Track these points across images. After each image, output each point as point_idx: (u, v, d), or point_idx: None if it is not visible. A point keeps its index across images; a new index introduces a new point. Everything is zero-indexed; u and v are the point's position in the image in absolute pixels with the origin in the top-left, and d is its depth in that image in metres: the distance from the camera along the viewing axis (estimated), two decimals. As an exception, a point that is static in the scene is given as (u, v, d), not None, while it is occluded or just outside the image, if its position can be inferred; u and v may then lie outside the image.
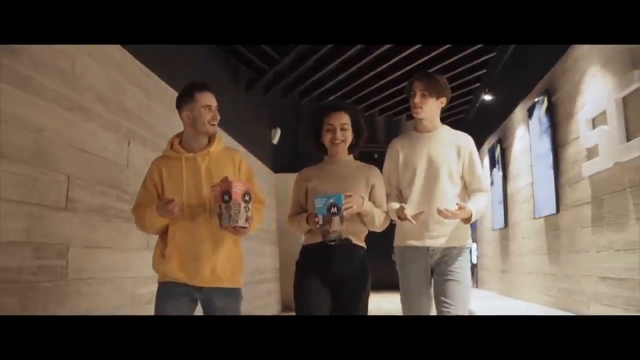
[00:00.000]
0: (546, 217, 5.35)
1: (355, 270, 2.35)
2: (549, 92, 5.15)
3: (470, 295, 2.45)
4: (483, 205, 2.44)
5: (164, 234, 2.27)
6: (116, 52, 3.55)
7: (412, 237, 2.45)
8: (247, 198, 2.10)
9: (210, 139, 2.33)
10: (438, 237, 2.42)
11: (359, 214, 2.35)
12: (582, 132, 4.28)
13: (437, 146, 2.46)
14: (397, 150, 2.53)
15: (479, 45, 5.62)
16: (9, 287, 2.47)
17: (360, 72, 6.17)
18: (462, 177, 2.49)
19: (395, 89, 6.90)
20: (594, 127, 4.09)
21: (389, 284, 4.90)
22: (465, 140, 2.50)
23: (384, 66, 6.05)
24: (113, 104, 3.46)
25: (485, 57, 6.07)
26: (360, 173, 2.44)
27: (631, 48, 3.45)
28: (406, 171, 2.48)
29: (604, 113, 3.84)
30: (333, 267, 2.32)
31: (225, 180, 2.12)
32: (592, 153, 4.13)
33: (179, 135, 2.35)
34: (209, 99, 2.27)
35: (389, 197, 2.51)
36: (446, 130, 2.54)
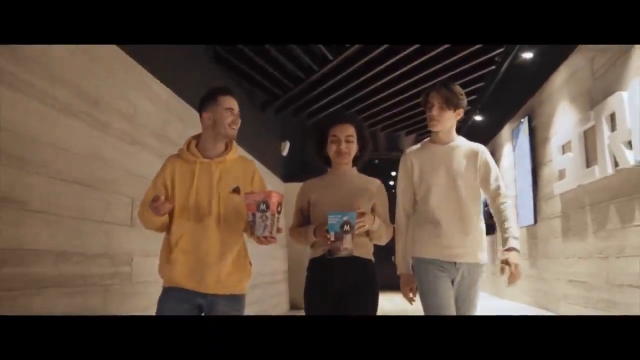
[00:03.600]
0: (527, 226, 6.08)
1: (360, 283, 2.27)
2: (529, 118, 5.87)
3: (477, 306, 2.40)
4: (514, 223, 2.28)
5: (167, 238, 2.23)
6: (163, 92, 4.27)
7: (434, 251, 2.31)
8: (279, 209, 2.07)
9: (227, 145, 2.29)
10: (460, 250, 2.29)
11: (367, 231, 2.29)
12: (554, 156, 5.00)
13: (455, 158, 2.34)
14: (412, 164, 2.41)
15: (471, 76, 6.34)
16: (95, 289, 3.18)
17: (363, 98, 6.94)
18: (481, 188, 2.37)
19: (396, 110, 7.72)
20: (563, 152, 4.80)
21: (389, 284, 5.25)
22: (481, 150, 2.38)
23: (385, 93, 6.83)
24: (161, 136, 4.18)
25: (476, 86, 6.82)
26: (363, 186, 2.37)
27: (590, 92, 4.16)
28: (422, 185, 2.37)
29: (570, 142, 4.56)
30: (335, 281, 2.27)
31: (262, 190, 2.15)
32: (562, 174, 4.85)
33: (197, 137, 2.29)
34: (231, 103, 2.24)
35: (397, 218, 2.46)
36: (462, 142, 2.43)
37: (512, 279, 2.14)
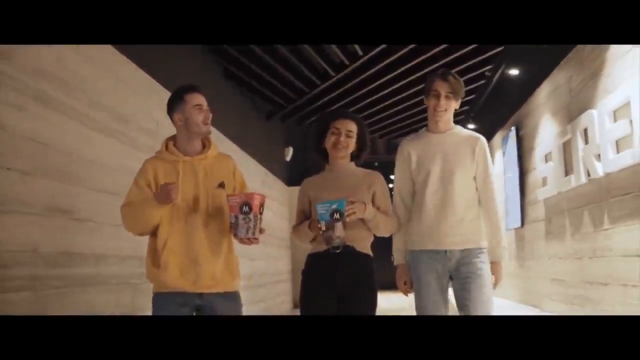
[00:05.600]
0: (515, 229, 6.52)
1: (360, 279, 2.28)
2: (517, 128, 6.31)
3: (492, 297, 2.32)
4: (503, 237, 2.36)
5: (153, 241, 2.18)
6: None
7: (428, 241, 2.32)
8: (261, 210, 2.08)
9: (205, 143, 2.26)
10: (455, 238, 2.29)
11: (362, 221, 2.29)
12: (538, 164, 5.44)
13: (452, 145, 2.34)
14: (409, 152, 2.41)
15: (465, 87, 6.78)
16: (126, 288, 3.60)
17: (363, 108, 7.40)
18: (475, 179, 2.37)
19: (395, 118, 8.19)
20: (546, 161, 5.23)
21: (389, 284, 5.61)
22: (481, 141, 2.36)
23: (384, 104, 7.31)
24: (179, 149, 4.61)
25: (469, 97, 7.27)
26: (361, 179, 2.38)
27: (568, 107, 4.57)
28: (420, 172, 2.36)
29: (551, 152, 4.98)
30: (337, 275, 2.27)
31: (244, 192, 2.17)
32: (545, 181, 5.27)
33: (173, 138, 2.26)
34: (199, 99, 2.20)
35: (394, 208, 2.44)
36: (460, 130, 2.43)
37: (496, 286, 2.33)
